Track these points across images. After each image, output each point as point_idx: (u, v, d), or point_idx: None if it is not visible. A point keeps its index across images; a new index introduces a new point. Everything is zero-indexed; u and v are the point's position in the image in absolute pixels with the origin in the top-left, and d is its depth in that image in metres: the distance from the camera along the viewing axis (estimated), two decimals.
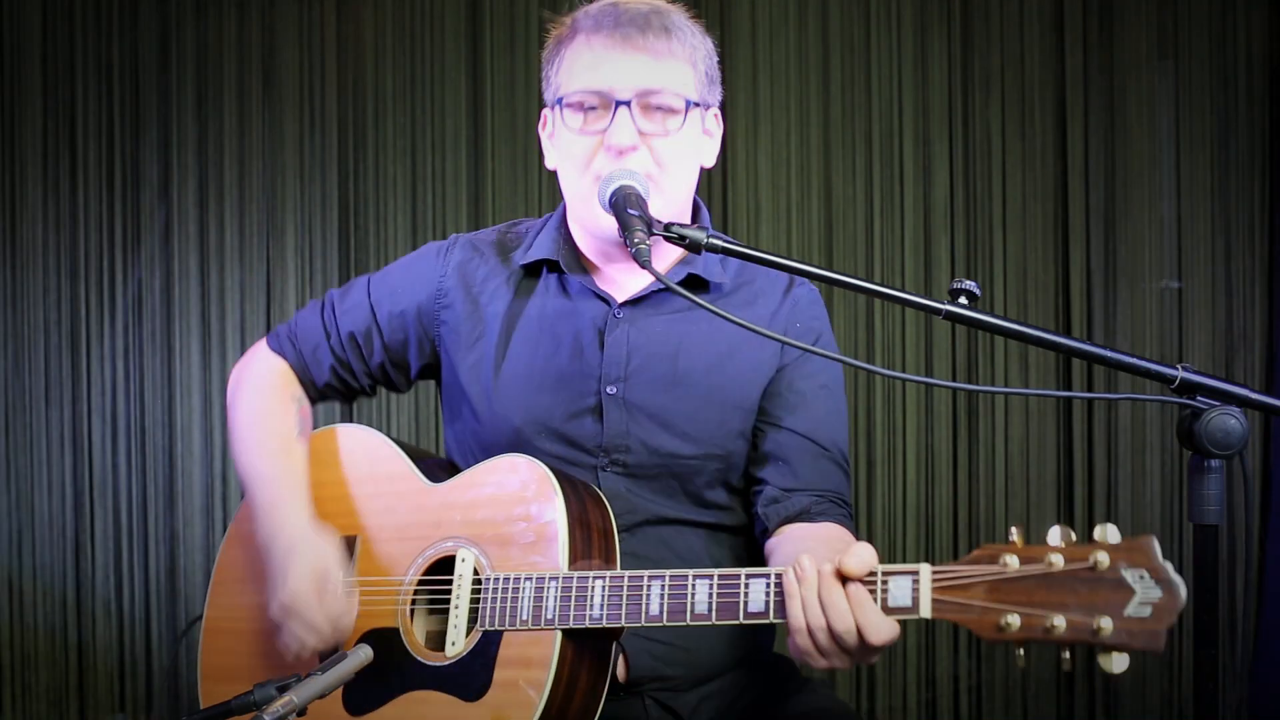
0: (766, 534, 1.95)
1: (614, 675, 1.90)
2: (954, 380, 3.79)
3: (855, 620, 1.53)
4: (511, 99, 3.77)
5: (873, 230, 3.78)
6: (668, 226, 1.73)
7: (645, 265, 1.68)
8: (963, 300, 1.60)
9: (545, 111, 2.01)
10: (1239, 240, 3.74)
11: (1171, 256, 3.76)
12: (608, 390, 1.96)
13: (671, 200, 1.93)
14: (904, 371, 3.81)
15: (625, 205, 1.76)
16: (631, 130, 1.86)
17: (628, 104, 1.86)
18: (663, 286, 1.94)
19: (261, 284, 3.77)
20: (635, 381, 1.96)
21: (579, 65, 1.90)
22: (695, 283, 2.00)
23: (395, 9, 3.78)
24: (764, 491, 1.98)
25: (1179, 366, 1.54)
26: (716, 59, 1.98)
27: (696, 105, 1.92)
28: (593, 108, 1.90)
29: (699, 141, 1.96)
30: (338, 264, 3.78)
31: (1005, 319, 1.62)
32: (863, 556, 1.54)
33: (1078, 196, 3.76)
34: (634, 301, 1.99)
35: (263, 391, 2.12)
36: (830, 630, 1.54)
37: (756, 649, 2.07)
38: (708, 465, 1.98)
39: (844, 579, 1.55)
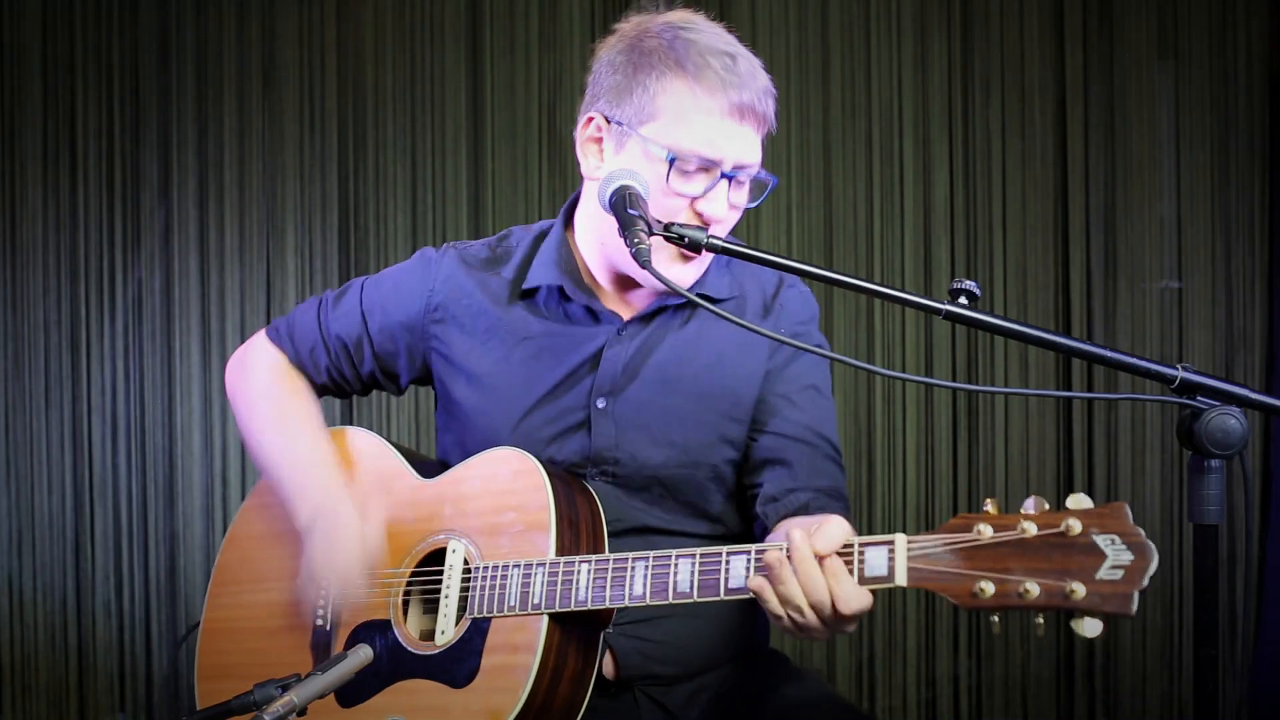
0: (767, 532, 1.95)
1: (603, 672, 1.91)
2: (954, 380, 3.80)
3: (830, 590, 1.55)
4: (511, 99, 3.77)
5: (873, 230, 3.78)
6: (667, 226, 1.73)
7: (645, 265, 1.68)
8: (963, 300, 1.60)
9: (596, 118, 1.90)
10: (1239, 240, 3.74)
11: (1171, 256, 3.76)
12: (597, 404, 1.95)
13: (707, 259, 1.96)
14: (904, 371, 3.81)
15: (625, 205, 1.75)
16: (725, 204, 1.86)
17: (730, 179, 1.84)
18: (665, 306, 1.95)
19: (261, 284, 3.77)
20: (625, 394, 1.96)
21: (696, 123, 1.82)
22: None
23: (395, 9, 3.78)
24: (762, 492, 1.97)
25: (1179, 366, 1.54)
26: None
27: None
28: (692, 169, 1.84)
29: None
30: (338, 264, 3.78)
31: (1005, 319, 1.62)
32: (835, 532, 1.57)
33: (1078, 196, 3.76)
34: (640, 319, 1.97)
35: (276, 378, 2.14)
36: (808, 603, 1.57)
37: (751, 642, 2.08)
38: (696, 475, 1.98)
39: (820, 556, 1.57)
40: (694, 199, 1.84)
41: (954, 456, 3.78)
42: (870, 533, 1.57)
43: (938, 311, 1.61)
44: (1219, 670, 1.57)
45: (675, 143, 1.82)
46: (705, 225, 1.83)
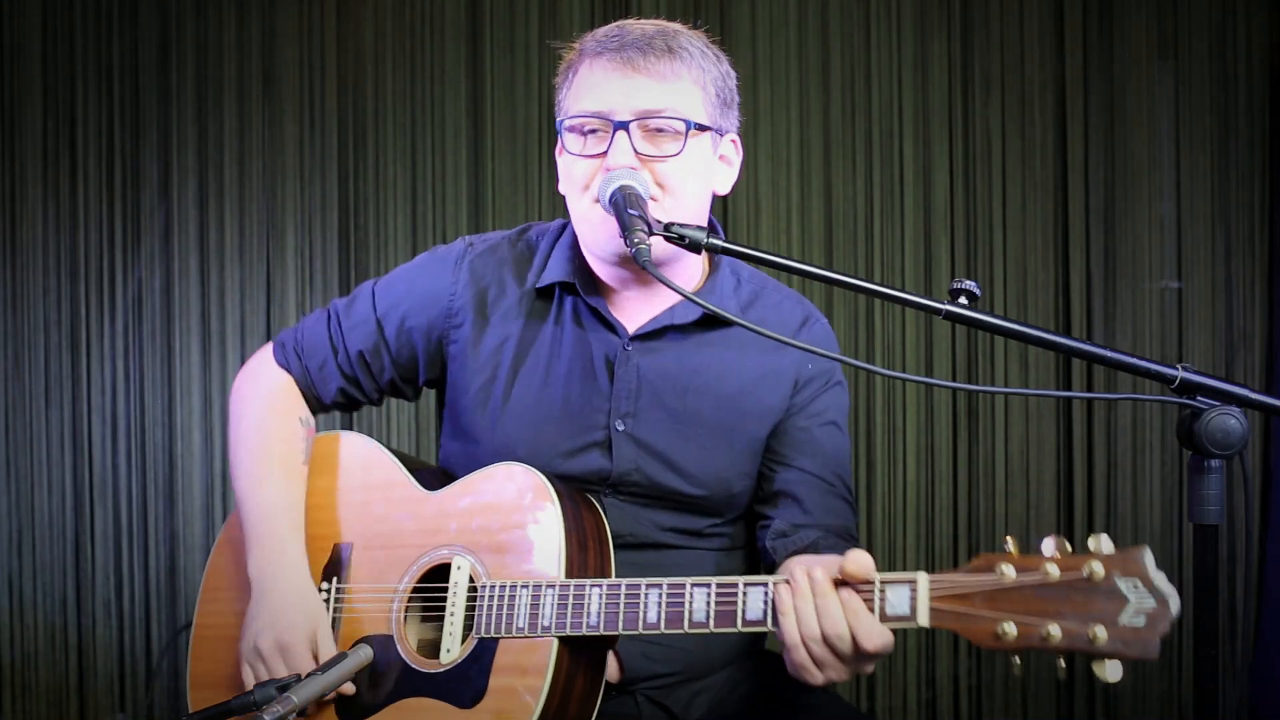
0: (775, 566, 1.94)
1: (607, 676, 1.90)
2: (954, 380, 3.79)
3: (850, 626, 1.54)
4: (511, 99, 3.77)
5: (873, 230, 3.78)
6: (668, 226, 1.73)
7: (645, 265, 1.68)
8: (963, 300, 1.60)
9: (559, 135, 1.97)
10: (1239, 240, 3.74)
11: (1171, 256, 3.76)
12: (617, 426, 1.94)
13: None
14: (904, 371, 3.81)
15: (625, 205, 1.75)
16: (630, 153, 1.83)
17: (626, 126, 1.83)
18: (673, 324, 1.95)
19: (261, 284, 3.77)
20: (644, 417, 1.95)
21: (582, 88, 1.88)
22: (709, 319, 1.96)
23: (395, 9, 3.78)
24: (773, 526, 1.97)
25: (1179, 366, 1.54)
26: (734, 82, 1.95)
27: (704, 128, 1.88)
28: (593, 130, 1.86)
29: (708, 165, 1.92)
30: (338, 264, 3.78)
31: (1005, 319, 1.62)
32: (861, 561, 1.55)
33: (1078, 196, 3.76)
34: (644, 336, 1.96)
35: (270, 409, 2.08)
36: (824, 637, 1.56)
37: (752, 644, 2.07)
38: (712, 499, 1.98)
39: (840, 584, 1.57)
40: (603, 158, 1.85)
41: (954, 456, 3.77)
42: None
43: (938, 311, 1.61)
44: (1219, 670, 1.57)
45: (566, 112, 1.90)
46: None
